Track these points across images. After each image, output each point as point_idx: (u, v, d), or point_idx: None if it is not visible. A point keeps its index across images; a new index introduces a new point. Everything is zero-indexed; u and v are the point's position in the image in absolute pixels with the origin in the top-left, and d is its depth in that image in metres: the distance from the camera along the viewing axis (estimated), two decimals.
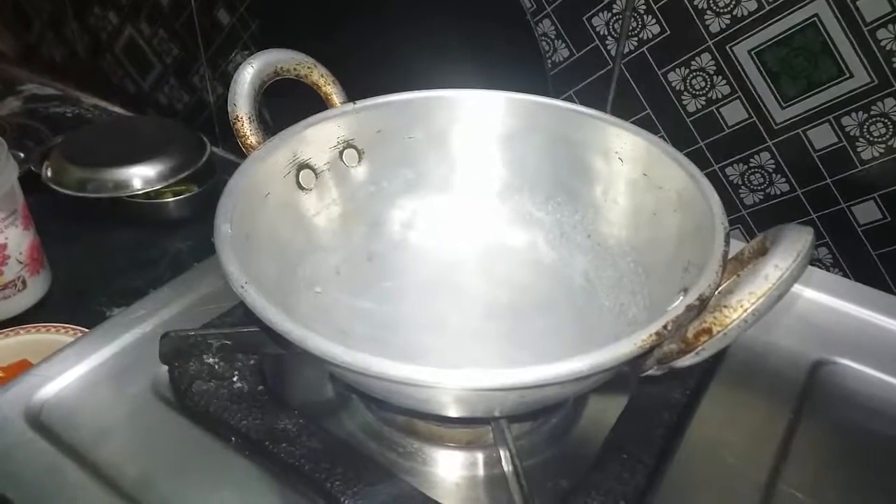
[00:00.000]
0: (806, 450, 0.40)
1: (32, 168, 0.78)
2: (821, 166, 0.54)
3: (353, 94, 0.48)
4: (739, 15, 0.52)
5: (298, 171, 0.44)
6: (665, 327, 0.29)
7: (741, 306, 0.28)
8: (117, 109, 1.01)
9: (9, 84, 1.05)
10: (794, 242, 0.28)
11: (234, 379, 0.40)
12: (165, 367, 0.42)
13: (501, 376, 0.28)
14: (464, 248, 0.48)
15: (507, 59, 0.62)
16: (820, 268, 0.57)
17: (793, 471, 0.39)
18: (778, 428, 0.41)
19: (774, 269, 0.27)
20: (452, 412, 0.34)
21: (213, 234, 0.35)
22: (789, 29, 0.51)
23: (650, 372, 0.32)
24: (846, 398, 0.43)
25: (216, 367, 0.41)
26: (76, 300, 0.67)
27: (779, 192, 0.57)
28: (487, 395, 0.30)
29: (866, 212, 0.54)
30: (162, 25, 0.88)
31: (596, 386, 0.34)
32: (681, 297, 0.31)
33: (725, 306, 0.28)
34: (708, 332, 0.28)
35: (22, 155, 0.83)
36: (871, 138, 0.52)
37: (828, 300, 0.49)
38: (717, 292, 0.32)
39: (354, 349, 0.29)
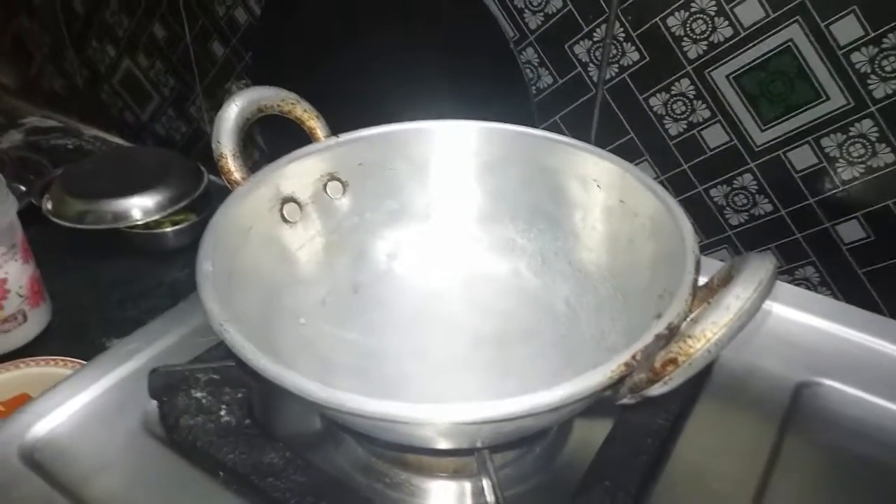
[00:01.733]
0: (790, 472, 0.40)
1: (33, 201, 0.80)
2: (803, 187, 0.55)
3: (339, 126, 0.49)
4: (716, 41, 0.53)
5: (283, 204, 0.45)
6: (634, 357, 0.30)
7: (704, 336, 0.28)
8: (117, 140, 1.02)
9: (11, 117, 1.07)
10: (756, 272, 0.29)
11: (222, 413, 0.41)
12: (156, 402, 0.42)
13: (472, 410, 0.28)
14: (448, 276, 0.49)
15: (493, 88, 0.63)
16: (807, 287, 0.58)
17: (777, 494, 0.39)
18: (762, 451, 0.41)
19: (735, 299, 0.28)
20: (434, 444, 0.34)
21: (195, 272, 0.36)
22: (765, 54, 0.52)
23: (624, 401, 0.33)
24: (831, 420, 0.43)
25: (204, 401, 0.41)
26: (76, 332, 0.68)
27: (763, 213, 0.58)
28: (463, 427, 0.31)
29: (850, 231, 0.55)
30: (159, 58, 0.90)
31: (572, 415, 0.34)
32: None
33: (689, 336, 0.29)
34: (674, 361, 0.29)
35: (23, 188, 0.85)
36: (850, 159, 0.52)
37: (811, 320, 0.50)
38: (688, 319, 0.32)
39: (332, 385, 0.29)
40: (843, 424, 0.43)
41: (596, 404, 0.40)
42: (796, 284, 0.58)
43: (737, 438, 0.42)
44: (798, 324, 0.50)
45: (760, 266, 0.29)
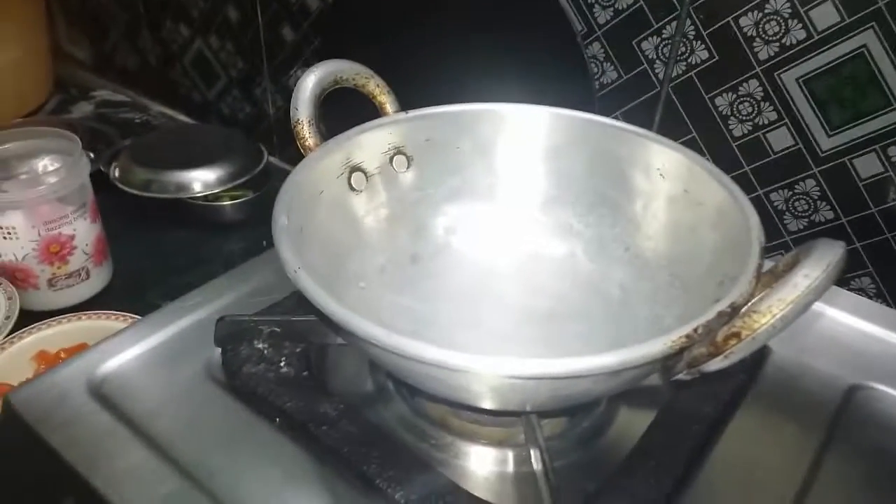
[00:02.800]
0: (836, 471, 0.40)
1: (102, 168, 0.83)
2: (866, 195, 0.55)
3: (406, 104, 0.51)
4: (788, 43, 0.53)
5: (351, 173, 0.47)
6: (696, 330, 0.30)
7: (770, 312, 0.29)
8: (182, 117, 1.06)
9: (83, 90, 1.12)
10: (825, 254, 0.29)
11: (282, 364, 0.42)
12: (218, 351, 0.44)
13: (533, 365, 0.29)
14: (504, 255, 0.50)
15: (556, 79, 0.64)
16: (863, 296, 0.57)
17: (821, 491, 0.39)
18: (809, 448, 0.41)
19: (804, 278, 0.28)
20: (485, 403, 0.35)
21: (271, 225, 0.38)
22: (838, 58, 0.52)
23: (680, 376, 0.33)
24: (881, 423, 0.43)
25: (265, 352, 0.43)
26: (134, 292, 0.71)
27: (823, 220, 0.57)
28: (519, 385, 0.31)
29: None
30: (230, 39, 0.93)
31: (628, 387, 0.35)
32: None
33: (755, 311, 0.29)
34: (737, 335, 0.29)
35: (92, 155, 0.88)
36: None
37: (866, 326, 0.49)
38: (750, 303, 0.33)
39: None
40: (893, 428, 0.42)
41: (642, 391, 0.41)
42: (852, 293, 0.57)
43: (784, 433, 0.42)
44: (853, 328, 0.49)
45: (829, 249, 0.30)
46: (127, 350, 0.45)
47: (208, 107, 1.02)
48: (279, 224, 0.37)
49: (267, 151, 0.85)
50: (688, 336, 0.30)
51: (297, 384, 0.41)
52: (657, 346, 0.30)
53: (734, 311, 0.31)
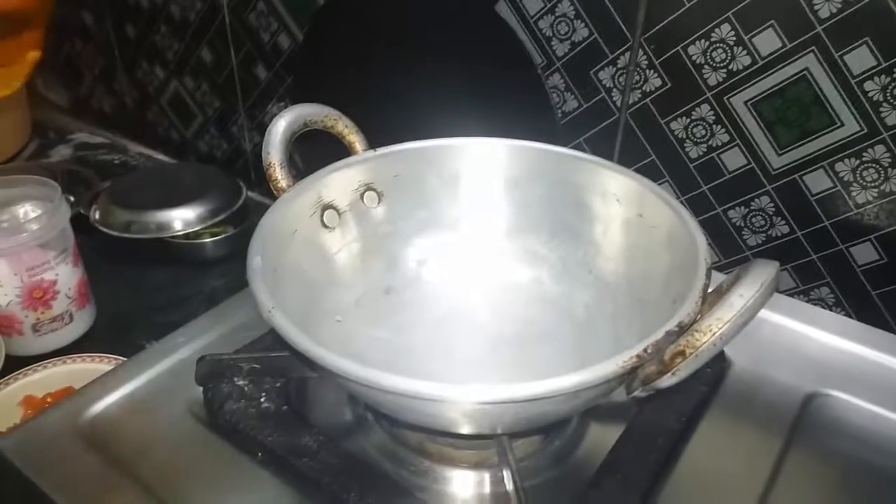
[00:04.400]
0: (796, 475, 0.42)
1: (82, 211, 0.84)
2: (818, 209, 0.57)
3: (374, 140, 0.53)
4: (735, 69, 0.56)
5: (323, 211, 0.49)
6: (645, 350, 0.33)
7: (710, 330, 0.31)
8: (161, 157, 1.07)
9: (61, 133, 1.13)
10: (759, 274, 0.31)
11: (262, 399, 0.44)
12: (200, 389, 0.46)
13: (496, 391, 0.31)
14: (473, 282, 0.52)
15: (521, 110, 0.67)
16: (823, 307, 0.59)
17: (782, 495, 0.41)
18: (770, 455, 0.43)
19: (739, 297, 0.31)
20: (456, 428, 0.37)
21: (246, 267, 0.40)
22: (782, 82, 0.55)
23: (637, 393, 0.35)
24: (837, 429, 0.45)
25: (246, 388, 0.45)
26: (118, 333, 0.71)
27: (780, 234, 0.60)
28: (485, 409, 0.33)
29: (864, 253, 0.57)
30: (205, 79, 0.95)
31: (589, 405, 0.37)
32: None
33: (696, 331, 0.31)
34: (682, 353, 0.32)
35: (72, 199, 0.89)
36: (864, 183, 0.55)
37: (822, 336, 0.52)
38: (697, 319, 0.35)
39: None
40: (848, 433, 0.45)
41: (610, 406, 0.43)
42: (812, 304, 0.60)
43: (745, 442, 0.44)
44: (810, 338, 0.52)
45: (763, 269, 0.32)
46: (112, 392, 0.46)
47: (186, 145, 1.04)
48: (253, 266, 0.39)
49: (245, 187, 0.87)
50: (638, 356, 0.32)
51: (278, 418, 0.43)
52: (610, 367, 0.32)
53: (682, 330, 0.33)
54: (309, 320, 0.43)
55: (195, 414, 0.45)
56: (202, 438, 0.43)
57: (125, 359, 0.63)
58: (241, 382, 0.45)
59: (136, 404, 0.46)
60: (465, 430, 0.37)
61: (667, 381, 0.33)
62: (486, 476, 0.42)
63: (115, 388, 0.46)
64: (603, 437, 0.44)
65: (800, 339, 0.52)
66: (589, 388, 0.32)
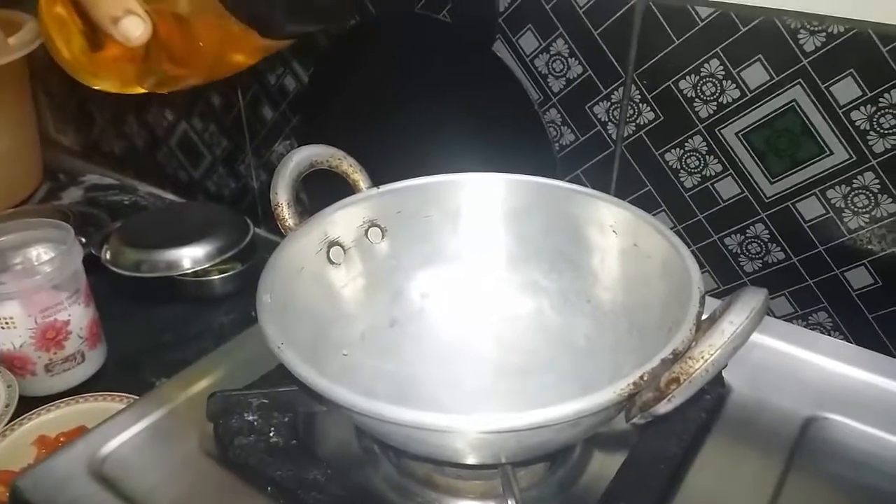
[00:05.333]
0: (796, 501, 0.43)
1: (93, 251, 0.86)
2: (812, 235, 0.59)
3: (377, 177, 0.55)
4: (724, 102, 0.58)
5: (329, 248, 0.50)
6: (642, 378, 0.34)
7: (702, 357, 0.32)
8: (170, 196, 1.10)
9: (72, 175, 1.16)
10: (748, 302, 0.33)
11: (271, 434, 0.45)
12: (211, 425, 0.47)
13: (493, 420, 0.32)
14: (476, 314, 0.53)
15: (520, 145, 0.69)
16: (821, 331, 0.60)
17: None
18: (770, 479, 0.44)
19: (729, 324, 0.32)
20: (462, 458, 0.38)
21: (255, 303, 0.41)
22: (771, 113, 0.56)
23: (636, 419, 0.36)
24: (836, 452, 0.46)
25: (255, 423, 0.46)
26: (129, 371, 0.72)
27: (776, 260, 0.61)
28: (487, 438, 0.34)
29: (859, 277, 0.58)
30: (213, 121, 0.98)
31: (589, 432, 0.38)
32: None
33: (690, 358, 0.32)
34: (676, 380, 0.33)
35: (84, 240, 0.91)
36: (855, 209, 0.56)
37: (820, 360, 0.52)
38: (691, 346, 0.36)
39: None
40: (848, 456, 0.45)
41: (613, 434, 0.44)
42: (810, 329, 0.61)
43: (746, 467, 0.45)
44: (808, 363, 0.53)
45: (753, 296, 0.33)
46: (125, 431, 0.47)
47: (195, 185, 1.06)
48: (262, 302, 0.41)
49: (253, 224, 0.89)
50: (635, 383, 0.33)
51: (287, 452, 0.44)
52: (608, 395, 0.33)
53: (676, 357, 0.34)
54: (317, 354, 0.44)
55: (206, 450, 0.46)
56: (214, 474, 0.44)
57: (136, 397, 0.64)
58: (250, 418, 0.46)
59: (149, 442, 0.47)
60: (470, 459, 0.38)
61: (663, 407, 0.34)
62: None
63: (128, 427, 0.48)
64: (606, 465, 0.45)
65: (798, 363, 0.53)
66: (588, 416, 0.33)
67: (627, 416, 0.36)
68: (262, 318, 0.39)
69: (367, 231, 0.52)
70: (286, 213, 0.49)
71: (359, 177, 0.54)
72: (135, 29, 0.39)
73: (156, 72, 0.49)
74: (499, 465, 0.40)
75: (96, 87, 0.51)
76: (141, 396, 0.52)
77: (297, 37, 0.50)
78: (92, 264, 0.79)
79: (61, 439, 0.62)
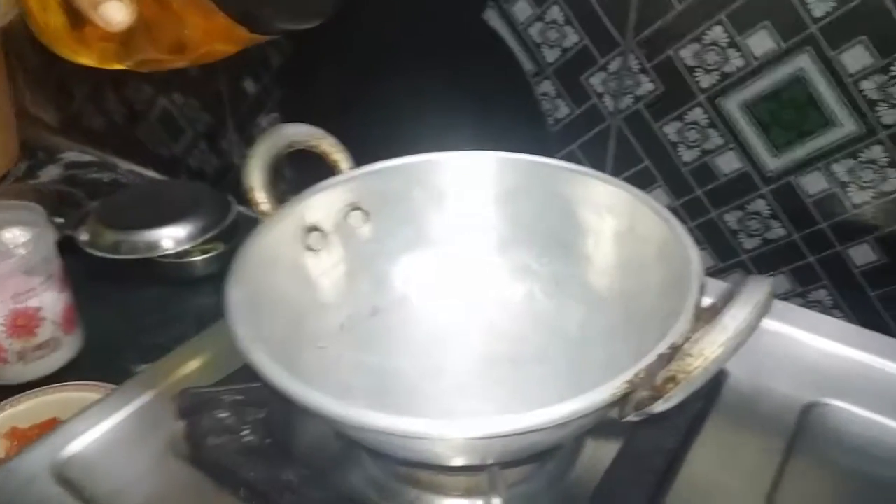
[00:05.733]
0: (797, 488, 0.41)
1: (70, 233, 0.83)
2: (814, 211, 0.56)
3: (362, 155, 0.52)
4: (728, 71, 0.55)
5: (307, 233, 0.47)
6: (637, 375, 0.31)
7: (702, 355, 0.29)
8: (151, 174, 1.06)
9: (50, 152, 1.12)
10: (753, 294, 0.30)
11: (245, 433, 0.42)
12: (182, 423, 0.44)
13: (480, 426, 0.29)
14: (463, 300, 0.50)
15: (512, 119, 0.66)
16: (820, 310, 0.58)
17: None
18: (769, 469, 0.42)
19: (732, 319, 0.29)
20: (447, 460, 0.35)
21: (223, 298, 0.38)
22: (776, 83, 0.53)
23: (629, 418, 0.34)
24: (837, 438, 0.44)
25: (227, 421, 0.43)
26: (106, 358, 0.70)
27: (776, 237, 0.58)
28: (473, 443, 0.32)
29: (862, 254, 0.55)
30: (193, 94, 0.94)
31: (581, 432, 0.35)
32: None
33: (688, 355, 0.30)
34: (673, 379, 0.30)
35: (62, 220, 0.88)
36: (861, 183, 0.53)
37: (820, 342, 0.50)
38: (690, 339, 0.33)
39: (350, 403, 0.31)
40: (848, 442, 0.43)
41: (605, 424, 0.42)
42: (810, 307, 0.58)
43: (744, 456, 0.43)
44: (808, 346, 0.50)
45: (757, 288, 0.30)
46: (92, 429, 0.45)
47: (176, 162, 1.03)
48: (230, 297, 0.38)
49: (235, 202, 0.86)
50: (630, 382, 0.31)
51: (261, 453, 0.41)
52: (602, 395, 0.31)
53: (674, 351, 0.32)
54: (293, 350, 0.41)
55: (176, 449, 0.43)
56: (183, 475, 0.42)
57: (113, 386, 0.62)
58: (222, 415, 0.43)
59: (117, 441, 0.44)
60: (455, 462, 0.35)
61: (659, 406, 0.31)
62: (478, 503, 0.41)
63: (95, 425, 0.45)
64: (598, 457, 0.43)
65: (797, 346, 0.50)
66: (580, 418, 0.30)
67: (621, 415, 0.34)
68: (229, 315, 0.36)
69: (348, 215, 0.49)
70: (259, 198, 0.46)
71: (339, 157, 0.51)
72: (116, 13, 0.36)
73: (138, 54, 0.47)
74: (486, 467, 0.37)
75: (76, 62, 0.49)
76: (115, 388, 0.50)
77: (287, 32, 0.48)
78: (69, 245, 0.76)
79: (35, 431, 0.60)
